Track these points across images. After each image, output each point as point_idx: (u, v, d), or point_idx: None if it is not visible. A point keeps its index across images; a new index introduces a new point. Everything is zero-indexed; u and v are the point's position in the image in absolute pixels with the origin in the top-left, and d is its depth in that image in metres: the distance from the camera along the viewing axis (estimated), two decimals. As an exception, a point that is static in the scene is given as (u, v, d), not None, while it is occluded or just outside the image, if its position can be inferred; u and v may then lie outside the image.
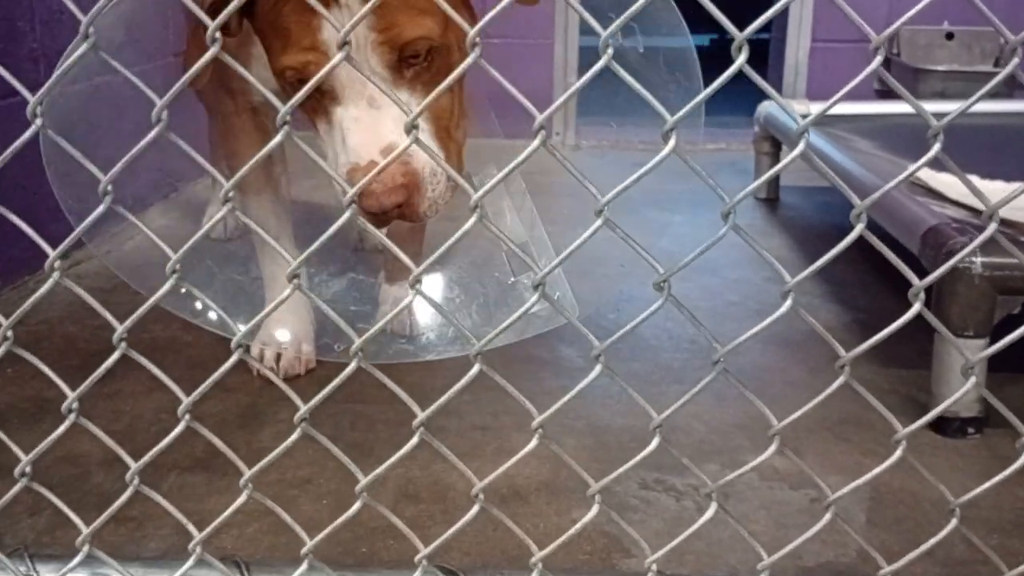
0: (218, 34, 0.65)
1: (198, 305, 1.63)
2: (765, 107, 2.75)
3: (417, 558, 0.79)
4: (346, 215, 0.68)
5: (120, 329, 0.72)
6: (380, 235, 0.75)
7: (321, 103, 1.19)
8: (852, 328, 1.80)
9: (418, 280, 0.69)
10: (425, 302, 1.83)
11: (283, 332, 1.60)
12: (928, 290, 0.66)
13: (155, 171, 2.36)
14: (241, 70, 0.68)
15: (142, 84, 0.68)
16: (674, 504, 1.20)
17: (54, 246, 0.73)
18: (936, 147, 0.62)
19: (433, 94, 0.66)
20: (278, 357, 1.58)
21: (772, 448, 0.72)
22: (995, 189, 1.66)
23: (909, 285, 0.65)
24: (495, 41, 2.59)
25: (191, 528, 0.80)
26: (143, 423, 1.39)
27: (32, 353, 0.78)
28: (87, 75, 1.82)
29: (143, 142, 0.68)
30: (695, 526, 0.77)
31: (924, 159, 0.63)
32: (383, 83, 1.13)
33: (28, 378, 1.51)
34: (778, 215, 2.63)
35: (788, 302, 0.66)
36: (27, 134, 0.70)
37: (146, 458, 0.78)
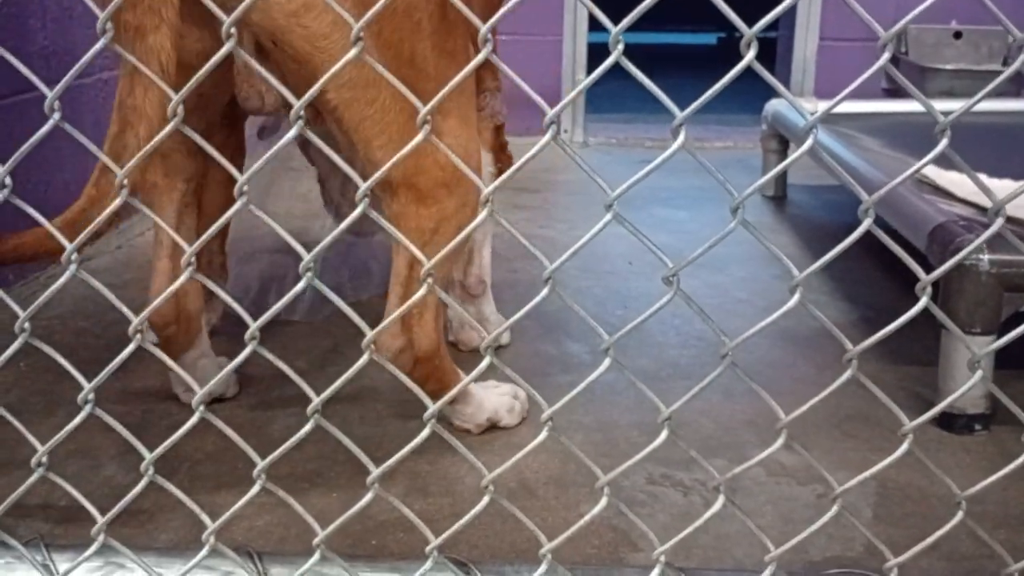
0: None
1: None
2: (773, 105, 2.75)
3: (428, 549, 0.80)
4: (359, 210, 0.69)
5: (136, 321, 0.73)
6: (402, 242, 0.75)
7: None
8: (859, 325, 1.80)
9: (430, 274, 0.70)
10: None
11: None
12: (935, 287, 0.66)
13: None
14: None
15: (163, 83, 0.68)
16: (681, 499, 1.20)
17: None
18: (943, 143, 0.63)
19: (447, 88, 0.67)
20: None
21: (780, 441, 0.73)
22: (1003, 187, 1.67)
23: (916, 282, 0.66)
24: (503, 38, 2.60)
25: (205, 518, 0.81)
26: (154, 416, 1.40)
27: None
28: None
29: (159, 136, 0.69)
30: (703, 519, 0.78)
31: (932, 154, 0.63)
32: None
33: (40, 372, 1.52)
34: (785, 213, 2.63)
35: (796, 296, 0.67)
36: (45, 128, 0.71)
37: (160, 449, 0.79)
